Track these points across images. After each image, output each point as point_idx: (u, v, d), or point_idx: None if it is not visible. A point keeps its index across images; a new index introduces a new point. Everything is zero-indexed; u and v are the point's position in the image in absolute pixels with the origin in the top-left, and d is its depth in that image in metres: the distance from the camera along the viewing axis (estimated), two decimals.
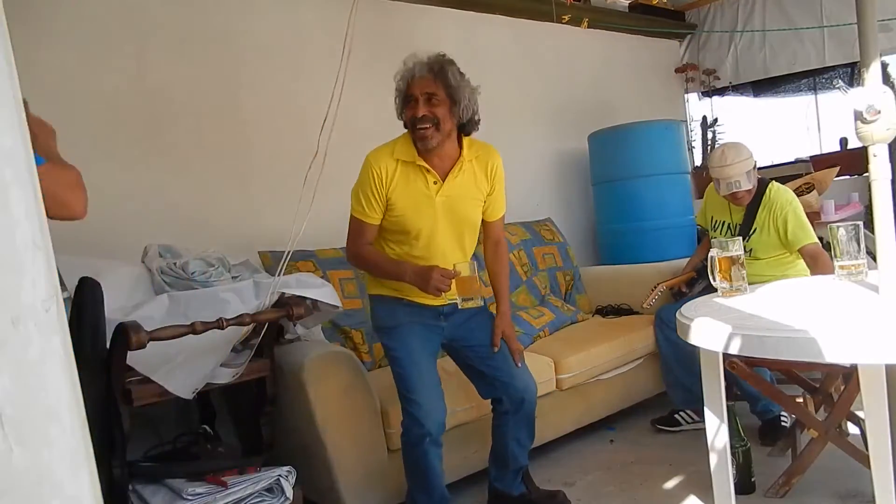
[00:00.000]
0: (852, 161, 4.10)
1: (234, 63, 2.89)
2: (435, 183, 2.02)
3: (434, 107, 1.95)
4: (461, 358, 2.20)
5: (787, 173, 3.96)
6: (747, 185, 2.58)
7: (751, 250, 2.62)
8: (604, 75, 4.61)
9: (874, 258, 1.57)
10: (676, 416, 2.87)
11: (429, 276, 1.93)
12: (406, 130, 2.04)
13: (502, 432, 2.18)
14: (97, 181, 2.47)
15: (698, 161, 4.91)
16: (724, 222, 2.81)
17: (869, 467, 1.83)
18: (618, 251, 3.92)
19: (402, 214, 2.01)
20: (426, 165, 2.00)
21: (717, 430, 1.78)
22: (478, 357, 2.15)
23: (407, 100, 1.99)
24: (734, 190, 2.59)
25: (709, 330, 1.50)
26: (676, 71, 5.15)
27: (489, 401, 2.22)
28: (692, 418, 2.83)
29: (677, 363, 2.79)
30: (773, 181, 2.74)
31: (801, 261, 2.64)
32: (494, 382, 2.14)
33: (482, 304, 2.01)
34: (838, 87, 4.68)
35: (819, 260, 2.50)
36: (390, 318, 2.09)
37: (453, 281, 1.95)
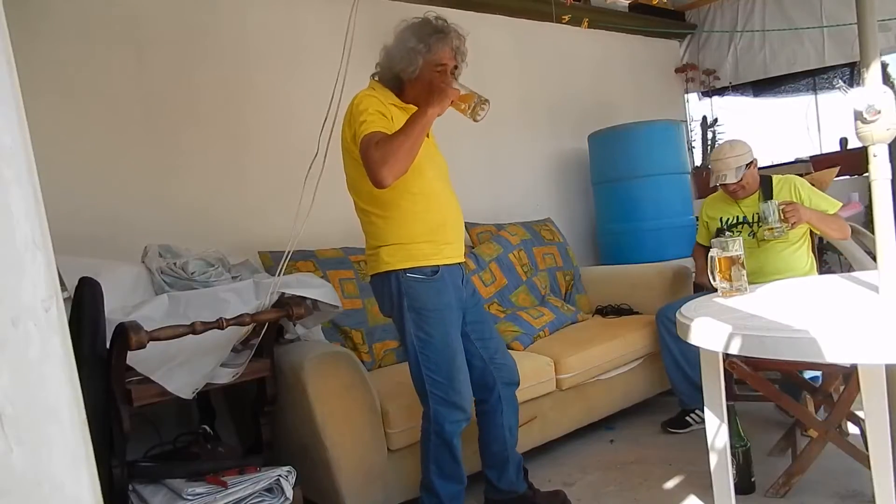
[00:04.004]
0: (852, 161, 4.10)
1: (235, 63, 2.89)
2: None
3: (452, 80, 1.98)
4: (461, 338, 2.09)
5: (787, 173, 3.95)
6: (732, 179, 2.68)
7: None
8: (604, 75, 4.61)
9: (874, 258, 1.57)
10: (687, 417, 2.87)
11: (441, 87, 1.86)
12: (373, 84, 2.02)
13: (497, 423, 2.14)
14: (97, 181, 2.50)
15: (698, 161, 4.91)
16: (737, 217, 2.83)
17: (869, 467, 1.83)
18: (618, 251, 3.92)
19: None
20: (413, 107, 1.98)
21: (717, 430, 1.78)
22: (478, 337, 2.11)
23: (434, 64, 1.95)
24: (721, 182, 2.72)
25: (709, 330, 1.50)
26: (676, 71, 5.15)
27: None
28: (702, 419, 2.82)
29: (686, 361, 2.79)
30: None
31: (808, 255, 2.75)
32: (490, 364, 2.11)
33: (486, 106, 1.91)
34: (838, 87, 4.68)
35: (840, 221, 2.62)
36: (436, 299, 1.96)
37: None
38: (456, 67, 2.01)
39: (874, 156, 1.45)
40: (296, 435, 2.14)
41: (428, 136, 2.07)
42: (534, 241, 3.53)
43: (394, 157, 1.78)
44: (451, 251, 2.02)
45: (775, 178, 2.78)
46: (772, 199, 2.71)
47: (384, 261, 1.96)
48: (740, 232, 2.77)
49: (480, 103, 1.91)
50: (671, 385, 2.93)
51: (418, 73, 1.95)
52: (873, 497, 1.80)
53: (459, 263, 2.07)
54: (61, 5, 2.44)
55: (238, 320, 1.82)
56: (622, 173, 3.87)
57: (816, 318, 1.49)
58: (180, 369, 1.81)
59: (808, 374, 2.60)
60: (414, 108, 1.99)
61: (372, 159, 1.79)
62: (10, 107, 0.52)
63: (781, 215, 2.52)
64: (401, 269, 1.95)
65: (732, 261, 1.86)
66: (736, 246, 1.87)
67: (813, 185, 3.35)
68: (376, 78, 2.06)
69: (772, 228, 2.54)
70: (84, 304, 1.73)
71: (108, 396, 1.74)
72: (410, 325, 1.96)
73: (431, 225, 1.97)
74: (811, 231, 2.83)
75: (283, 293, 1.96)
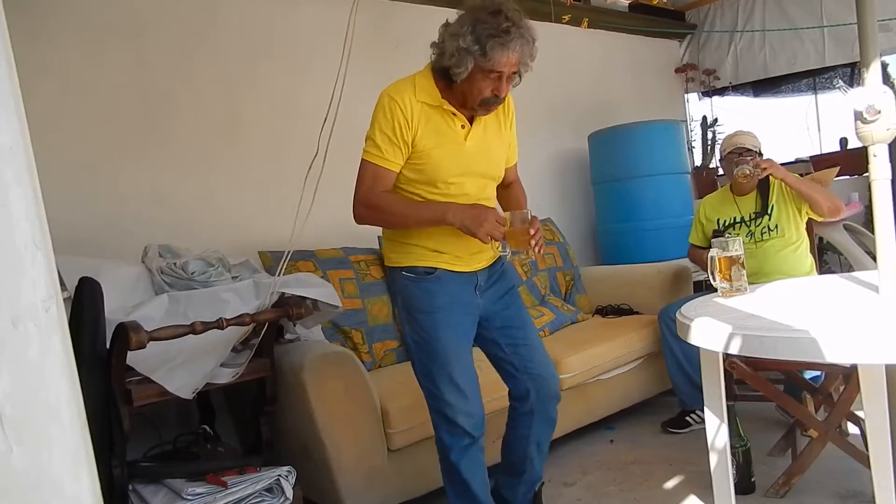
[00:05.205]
0: (852, 161, 4.10)
1: (235, 62, 2.89)
2: (463, 127, 1.81)
3: (508, 84, 1.75)
4: (489, 345, 1.95)
5: None
6: (753, 148, 2.75)
7: (776, 226, 2.73)
8: (604, 75, 4.61)
9: (874, 258, 1.57)
10: (687, 417, 2.87)
11: (483, 217, 1.67)
12: (426, 68, 1.81)
13: (522, 435, 1.95)
14: (97, 181, 2.50)
15: (698, 161, 4.91)
16: (734, 217, 2.84)
17: (869, 467, 1.83)
18: (618, 251, 3.92)
19: (429, 161, 1.77)
20: (452, 109, 1.78)
21: (717, 430, 1.78)
22: (508, 343, 1.92)
23: (488, 70, 1.68)
24: (742, 145, 2.75)
25: (709, 330, 1.50)
26: (676, 71, 5.15)
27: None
28: (702, 419, 2.83)
29: (688, 362, 2.79)
30: None
31: (808, 255, 2.76)
32: (524, 374, 1.91)
33: (533, 257, 1.76)
34: (838, 87, 4.68)
35: (829, 193, 2.69)
36: (426, 300, 1.81)
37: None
38: (516, 73, 1.75)
39: (874, 156, 1.45)
40: (296, 435, 2.14)
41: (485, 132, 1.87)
42: None
43: (378, 217, 1.81)
44: (453, 261, 1.85)
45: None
46: (768, 194, 2.76)
47: (387, 256, 1.94)
48: (738, 233, 2.77)
49: (524, 256, 1.76)
50: (672, 385, 2.93)
51: (468, 76, 1.70)
52: (873, 497, 1.80)
53: (471, 271, 1.89)
54: (62, 6, 2.44)
55: (238, 320, 1.82)
56: (622, 173, 3.87)
57: (816, 318, 1.49)
58: (180, 369, 1.81)
59: (808, 374, 2.60)
60: (451, 111, 1.78)
61: (363, 196, 1.77)
62: (10, 107, 0.52)
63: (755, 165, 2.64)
64: (398, 267, 1.87)
65: (732, 261, 1.86)
66: (736, 246, 1.87)
67: None
68: (432, 59, 1.80)
69: (745, 173, 2.64)
70: (84, 304, 1.73)
71: (108, 396, 1.74)
72: (405, 325, 1.88)
73: (431, 235, 1.82)
74: (810, 230, 2.83)
75: (283, 293, 1.96)
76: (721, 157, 2.87)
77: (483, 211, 1.71)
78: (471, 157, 1.83)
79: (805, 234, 2.77)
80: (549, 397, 1.97)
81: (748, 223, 2.78)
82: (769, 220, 2.74)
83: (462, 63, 1.67)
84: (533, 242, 1.72)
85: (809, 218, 2.76)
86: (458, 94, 1.77)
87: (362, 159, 1.80)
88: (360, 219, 1.81)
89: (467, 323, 1.88)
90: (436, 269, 1.83)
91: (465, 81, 1.71)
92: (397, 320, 2.77)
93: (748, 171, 2.64)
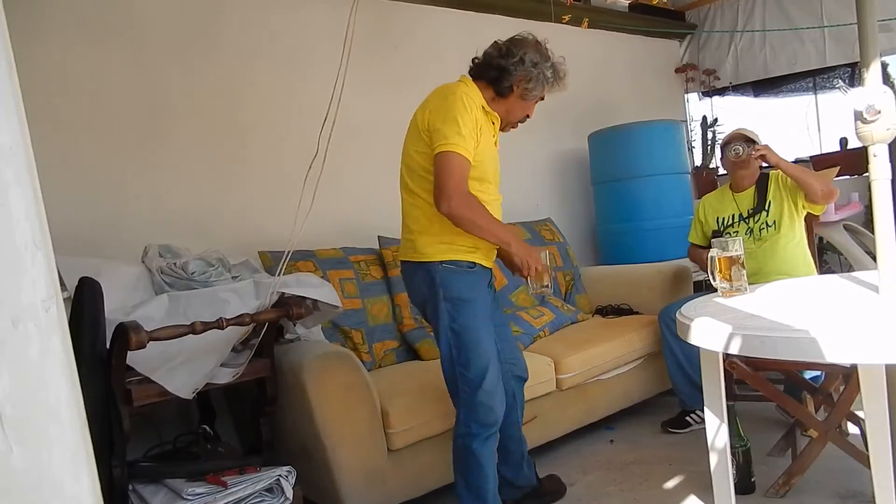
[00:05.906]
0: (852, 161, 4.10)
1: (235, 63, 2.89)
2: (494, 136, 2.04)
3: None
4: None
5: None
6: (748, 134, 2.79)
7: (774, 222, 2.74)
8: (604, 75, 4.61)
9: (874, 258, 1.57)
10: (687, 417, 2.87)
11: (532, 248, 1.95)
12: (466, 79, 2.02)
13: (512, 422, 2.13)
14: (97, 181, 2.50)
15: (698, 161, 4.91)
16: (732, 215, 2.85)
17: (869, 467, 1.83)
18: (618, 251, 3.92)
19: (482, 160, 1.93)
20: (495, 114, 2.01)
21: (717, 430, 1.78)
22: (499, 339, 2.07)
23: (540, 97, 2.05)
24: (738, 130, 2.81)
25: (709, 330, 1.50)
26: (676, 71, 5.15)
27: None
28: (702, 419, 2.83)
29: (688, 362, 2.79)
30: None
31: (808, 255, 2.76)
32: (506, 365, 2.09)
33: (551, 292, 2.05)
34: (838, 87, 4.68)
35: (824, 180, 2.71)
36: (470, 291, 1.95)
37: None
38: None
39: (874, 156, 1.45)
40: (296, 435, 2.14)
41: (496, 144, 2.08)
42: (534, 241, 3.53)
43: (469, 218, 1.84)
44: (483, 257, 2.01)
45: (771, 173, 2.82)
46: (767, 190, 2.78)
47: (419, 251, 1.96)
48: (738, 231, 2.78)
49: (546, 290, 2.04)
50: (672, 385, 2.93)
51: (532, 99, 2.02)
52: (873, 497, 1.80)
53: (490, 267, 2.08)
54: (62, 6, 2.44)
55: (238, 320, 1.82)
56: (622, 173, 3.87)
57: (816, 318, 1.49)
58: (180, 369, 1.82)
59: (808, 374, 2.60)
60: (493, 118, 2.02)
61: (457, 190, 1.81)
62: (10, 107, 0.52)
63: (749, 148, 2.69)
64: (437, 262, 1.94)
65: (732, 261, 1.86)
66: (736, 246, 1.87)
67: None
68: (471, 73, 2.03)
69: (738, 152, 2.70)
70: (84, 304, 1.73)
71: (108, 396, 1.74)
72: (445, 316, 1.93)
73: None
74: (810, 230, 2.83)
75: (283, 293, 1.96)
76: (721, 154, 2.89)
77: (528, 254, 1.96)
78: (497, 164, 2.04)
79: (804, 232, 2.77)
80: (522, 379, 2.22)
81: (746, 220, 2.79)
82: (767, 215, 2.74)
83: (539, 88, 1.99)
84: (553, 275, 2.01)
85: (809, 215, 2.76)
86: (503, 108, 2.02)
87: (448, 151, 1.82)
88: (452, 212, 1.83)
89: (492, 314, 2.04)
90: (475, 264, 1.98)
91: (523, 101, 2.01)
92: (397, 320, 2.79)
93: (740, 150, 2.68)
